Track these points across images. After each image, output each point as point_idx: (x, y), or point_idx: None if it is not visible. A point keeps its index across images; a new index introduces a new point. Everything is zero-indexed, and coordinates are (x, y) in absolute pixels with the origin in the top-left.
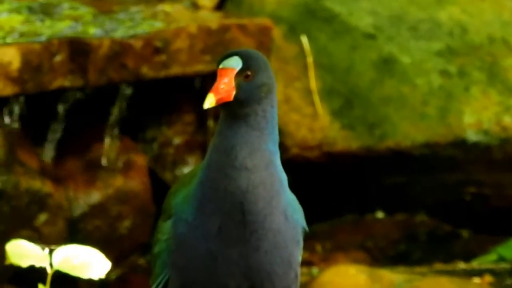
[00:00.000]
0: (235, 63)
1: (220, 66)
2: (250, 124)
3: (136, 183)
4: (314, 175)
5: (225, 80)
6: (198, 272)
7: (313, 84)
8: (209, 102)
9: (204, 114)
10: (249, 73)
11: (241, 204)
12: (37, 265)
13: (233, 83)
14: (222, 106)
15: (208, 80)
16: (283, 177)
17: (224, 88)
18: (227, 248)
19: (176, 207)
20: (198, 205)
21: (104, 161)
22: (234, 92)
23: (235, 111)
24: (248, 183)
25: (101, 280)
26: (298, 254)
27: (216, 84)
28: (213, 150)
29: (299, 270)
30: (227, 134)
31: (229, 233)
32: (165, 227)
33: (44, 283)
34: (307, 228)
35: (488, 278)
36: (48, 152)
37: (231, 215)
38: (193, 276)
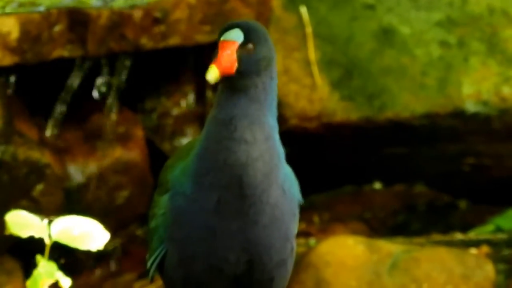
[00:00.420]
0: (236, 36)
1: (222, 38)
2: (249, 97)
3: (134, 153)
4: (313, 146)
5: (228, 52)
6: (196, 246)
7: (312, 54)
8: (213, 74)
9: (202, 85)
10: (250, 46)
11: (240, 177)
12: (36, 235)
13: (235, 56)
14: (223, 78)
15: (208, 50)
16: (281, 150)
17: (226, 61)
18: (225, 221)
19: (173, 180)
20: (195, 178)
21: (103, 132)
22: (236, 65)
23: (235, 83)
24: (247, 156)
25: (99, 251)
26: (295, 227)
27: (218, 57)
28: (212, 122)
29: (295, 243)
30: (226, 106)
31: (227, 207)
32: (162, 201)
33: (42, 254)
34: (302, 201)
35: (485, 249)
36: (48, 123)
37: (229, 188)
38: (192, 250)
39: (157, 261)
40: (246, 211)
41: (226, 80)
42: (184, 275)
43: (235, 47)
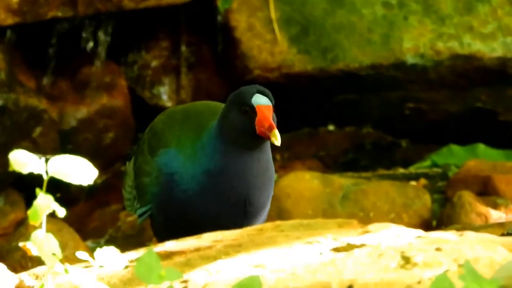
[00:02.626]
0: (269, 101)
1: (264, 103)
2: (263, 151)
3: (119, 100)
4: (274, 93)
5: (274, 116)
6: (184, 225)
7: (273, 13)
8: (279, 137)
9: (177, 41)
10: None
11: (247, 199)
12: (35, 172)
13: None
14: (254, 138)
15: (182, 10)
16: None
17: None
18: (224, 221)
19: (174, 164)
20: (204, 185)
21: (91, 82)
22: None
23: (261, 143)
24: (254, 186)
25: (89, 185)
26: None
27: (271, 121)
28: (229, 164)
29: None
30: (246, 160)
31: (228, 217)
32: (154, 165)
33: (41, 188)
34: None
35: (423, 181)
36: (45, 74)
37: (235, 205)
38: (178, 224)
39: (148, 213)
40: (247, 220)
41: (256, 140)
42: (170, 233)
43: (272, 110)
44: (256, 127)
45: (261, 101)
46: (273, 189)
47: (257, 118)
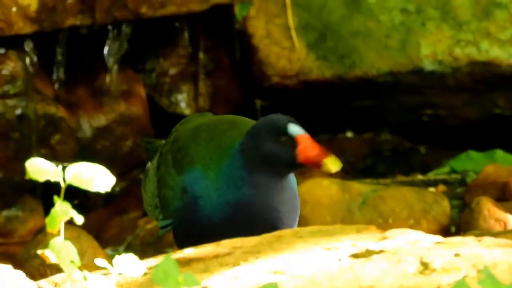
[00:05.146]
0: (304, 130)
1: (303, 133)
2: (288, 179)
3: (137, 108)
4: (293, 100)
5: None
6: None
7: (291, 20)
8: (339, 162)
9: (195, 48)
10: None
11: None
12: (52, 180)
13: None
14: (294, 167)
15: (199, 18)
16: (296, 189)
17: None
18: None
19: (198, 187)
20: (232, 212)
21: (109, 89)
22: None
23: (295, 171)
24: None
25: (107, 192)
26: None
27: (320, 148)
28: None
29: None
30: (274, 190)
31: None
32: (179, 182)
33: (58, 195)
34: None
35: (441, 188)
36: (61, 81)
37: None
38: (203, 239)
39: (169, 228)
40: None
41: (292, 169)
42: (191, 245)
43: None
44: (300, 156)
45: (300, 131)
46: (298, 215)
47: (300, 147)
